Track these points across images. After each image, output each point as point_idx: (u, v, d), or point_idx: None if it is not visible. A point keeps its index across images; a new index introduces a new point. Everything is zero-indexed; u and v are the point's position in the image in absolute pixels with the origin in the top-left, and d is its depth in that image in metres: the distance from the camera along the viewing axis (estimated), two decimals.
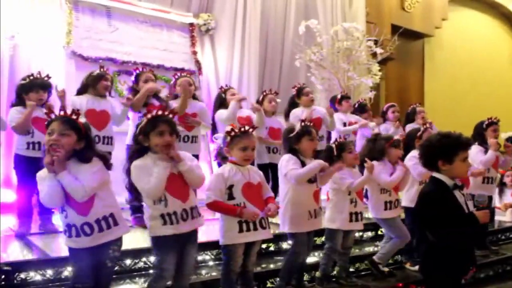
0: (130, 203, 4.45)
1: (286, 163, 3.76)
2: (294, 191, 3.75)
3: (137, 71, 4.97)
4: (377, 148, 4.41)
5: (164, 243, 3.04)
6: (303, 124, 3.85)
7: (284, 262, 3.87)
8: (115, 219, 2.92)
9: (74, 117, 2.86)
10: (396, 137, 4.60)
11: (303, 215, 3.75)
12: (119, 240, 2.99)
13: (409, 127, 6.74)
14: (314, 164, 3.76)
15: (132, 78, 5.01)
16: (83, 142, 2.86)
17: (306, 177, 3.72)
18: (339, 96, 6.40)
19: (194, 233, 3.19)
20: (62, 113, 2.90)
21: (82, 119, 2.92)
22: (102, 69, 4.81)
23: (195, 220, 3.13)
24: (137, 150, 3.08)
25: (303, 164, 3.76)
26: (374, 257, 4.50)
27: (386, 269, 4.55)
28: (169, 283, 3.16)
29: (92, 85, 4.71)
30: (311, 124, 3.93)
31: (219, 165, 4.69)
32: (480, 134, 5.34)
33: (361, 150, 4.62)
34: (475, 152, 5.15)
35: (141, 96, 4.72)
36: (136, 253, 3.86)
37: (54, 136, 2.76)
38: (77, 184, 2.73)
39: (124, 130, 4.93)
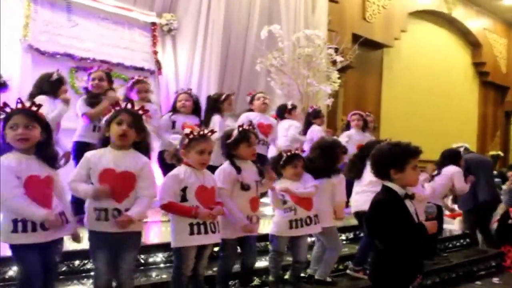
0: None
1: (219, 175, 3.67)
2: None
3: (91, 70, 4.92)
4: (333, 158, 4.37)
5: (96, 239, 3.01)
6: (241, 129, 3.73)
7: (218, 268, 3.82)
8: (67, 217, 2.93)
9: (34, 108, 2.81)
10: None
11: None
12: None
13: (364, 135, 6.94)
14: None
15: (85, 77, 4.98)
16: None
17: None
18: (289, 106, 6.63)
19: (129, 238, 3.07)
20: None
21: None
22: (58, 73, 4.76)
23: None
24: (100, 140, 3.07)
25: (238, 170, 3.66)
26: (317, 277, 4.41)
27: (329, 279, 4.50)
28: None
29: (51, 91, 4.66)
30: (250, 128, 3.80)
31: (163, 170, 4.65)
32: (456, 160, 6.03)
33: (317, 159, 4.42)
34: (458, 171, 5.86)
35: (100, 109, 4.68)
36: (85, 254, 3.74)
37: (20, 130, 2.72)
38: None
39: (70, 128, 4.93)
